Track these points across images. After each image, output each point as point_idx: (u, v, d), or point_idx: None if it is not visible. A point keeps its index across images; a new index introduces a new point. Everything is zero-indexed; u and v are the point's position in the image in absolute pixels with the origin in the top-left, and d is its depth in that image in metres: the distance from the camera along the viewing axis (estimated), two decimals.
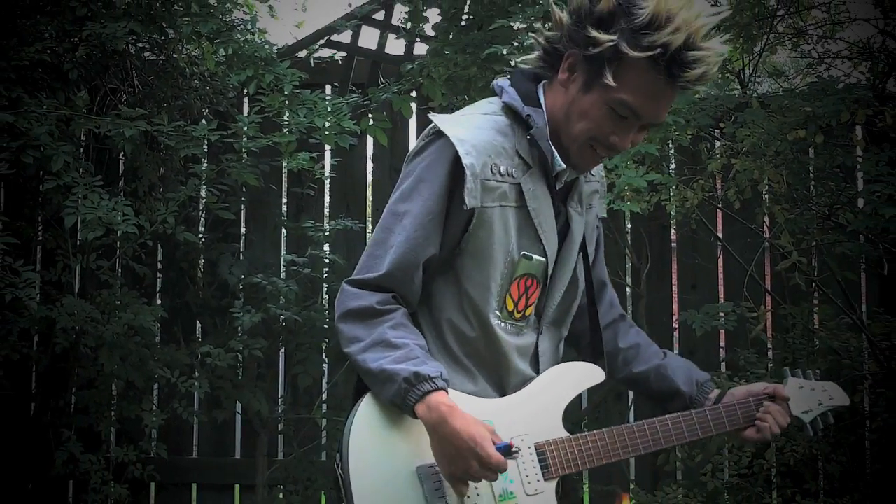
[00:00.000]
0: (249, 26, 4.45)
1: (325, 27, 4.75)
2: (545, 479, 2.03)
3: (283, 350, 4.63)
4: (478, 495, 1.98)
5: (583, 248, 2.19)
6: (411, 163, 2.06)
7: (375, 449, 1.97)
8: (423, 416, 1.91)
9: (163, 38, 4.42)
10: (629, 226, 4.70)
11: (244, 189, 4.61)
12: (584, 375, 2.17)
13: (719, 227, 4.59)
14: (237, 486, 4.80)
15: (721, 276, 4.67)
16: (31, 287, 3.87)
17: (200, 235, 4.58)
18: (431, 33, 4.43)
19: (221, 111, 4.56)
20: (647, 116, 1.99)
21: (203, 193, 4.51)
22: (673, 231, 4.72)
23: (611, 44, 1.93)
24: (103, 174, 4.25)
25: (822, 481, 4.18)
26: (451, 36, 4.22)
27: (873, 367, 4.00)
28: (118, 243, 4.34)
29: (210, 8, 4.24)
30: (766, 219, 4.25)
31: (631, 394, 4.61)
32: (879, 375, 4.01)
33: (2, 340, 4.27)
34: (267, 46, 4.33)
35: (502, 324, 2.05)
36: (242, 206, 4.76)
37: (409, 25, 4.57)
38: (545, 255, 2.06)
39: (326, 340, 4.45)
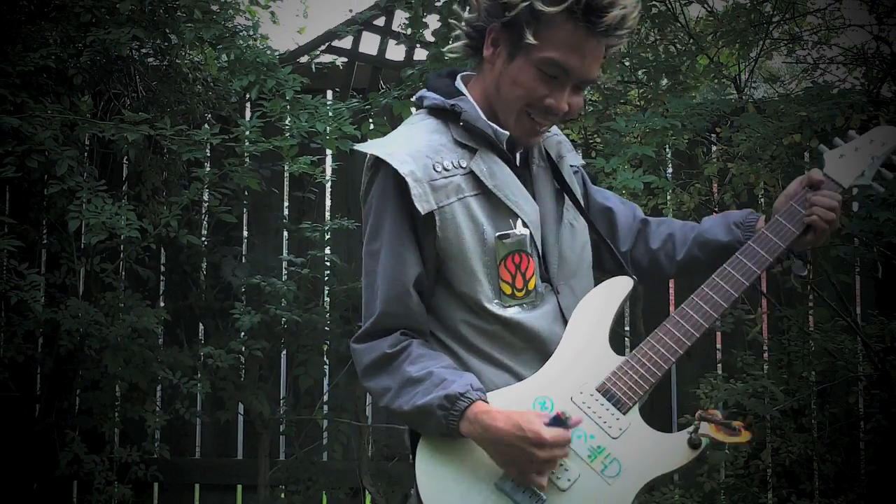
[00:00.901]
0: (251, 32, 4.48)
1: (325, 33, 4.78)
2: (623, 414, 1.93)
3: (284, 351, 4.66)
4: (566, 470, 1.90)
5: (564, 198, 2.13)
6: (366, 201, 2.05)
7: (449, 490, 1.92)
8: (469, 433, 1.89)
9: (166, 43, 4.45)
10: None
11: (246, 193, 4.65)
12: (611, 292, 2.07)
13: None
14: (239, 487, 4.83)
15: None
16: (35, 289, 3.92)
17: (203, 239, 4.60)
18: (431, 39, 4.47)
19: (224, 116, 4.59)
20: (577, 72, 1.95)
21: (206, 197, 4.54)
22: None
23: (525, 3, 1.92)
24: (107, 178, 4.31)
25: (817, 482, 4.20)
26: (450, 41, 4.26)
27: (868, 368, 4.03)
28: (122, 246, 4.37)
29: (212, 14, 4.26)
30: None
31: None
32: (874, 377, 4.04)
33: (7, 342, 4.32)
34: (269, 52, 4.35)
35: (509, 307, 2.00)
36: (244, 210, 4.78)
37: (409, 31, 4.60)
38: (526, 225, 2.02)
39: (327, 342, 4.48)
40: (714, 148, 4.19)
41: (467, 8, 2.11)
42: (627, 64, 4.37)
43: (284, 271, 4.58)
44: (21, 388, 4.44)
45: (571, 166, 2.21)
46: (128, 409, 4.39)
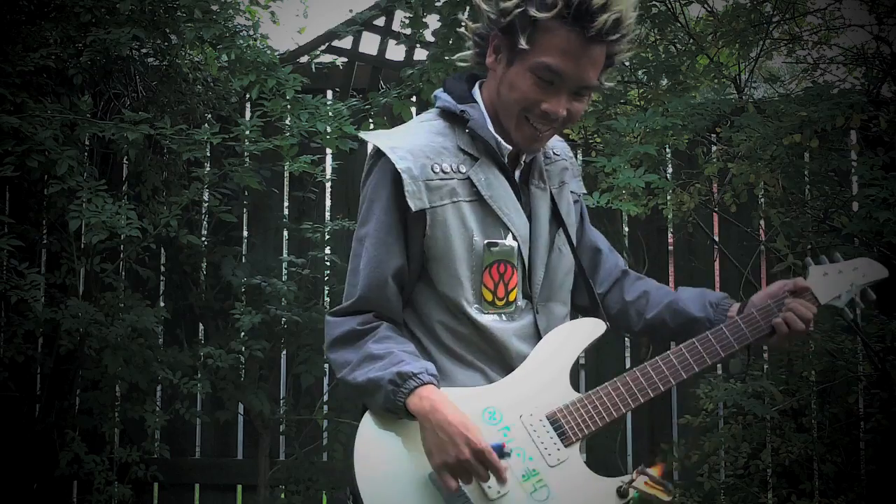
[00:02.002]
0: (251, 32, 4.49)
1: (326, 33, 4.78)
2: (566, 446, 1.99)
3: (284, 351, 4.67)
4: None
5: (557, 224, 2.17)
6: (363, 188, 2.10)
7: (383, 469, 1.96)
8: (415, 409, 1.93)
9: (166, 43, 4.46)
10: (626, 229, 4.73)
11: (246, 193, 4.65)
12: (584, 331, 2.13)
13: (715, 230, 4.62)
14: (239, 487, 4.83)
15: (717, 278, 4.70)
16: (35, 289, 3.93)
17: (203, 238, 4.61)
18: (431, 39, 4.47)
19: (224, 116, 4.59)
20: (572, 77, 1.98)
21: (206, 197, 4.55)
22: (670, 234, 4.75)
23: (518, 9, 1.96)
24: (107, 178, 4.31)
25: (817, 481, 4.21)
26: (450, 41, 4.27)
27: (868, 368, 4.04)
28: (122, 246, 4.37)
29: (212, 14, 4.26)
30: (762, 222, 4.29)
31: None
32: (874, 377, 4.05)
33: (7, 342, 4.32)
34: (269, 52, 4.36)
35: (487, 314, 2.05)
36: (245, 210, 4.79)
37: (409, 31, 4.60)
38: (515, 239, 2.06)
39: None
40: (714, 148, 4.19)
41: (473, 16, 2.14)
42: (627, 64, 4.37)
43: (284, 271, 4.58)
44: (21, 388, 4.44)
45: (572, 193, 2.25)
46: (128, 409, 4.40)
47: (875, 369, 3.97)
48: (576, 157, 4.75)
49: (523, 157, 2.13)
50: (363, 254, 2.05)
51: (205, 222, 4.71)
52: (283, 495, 4.60)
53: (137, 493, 4.45)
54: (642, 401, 2.06)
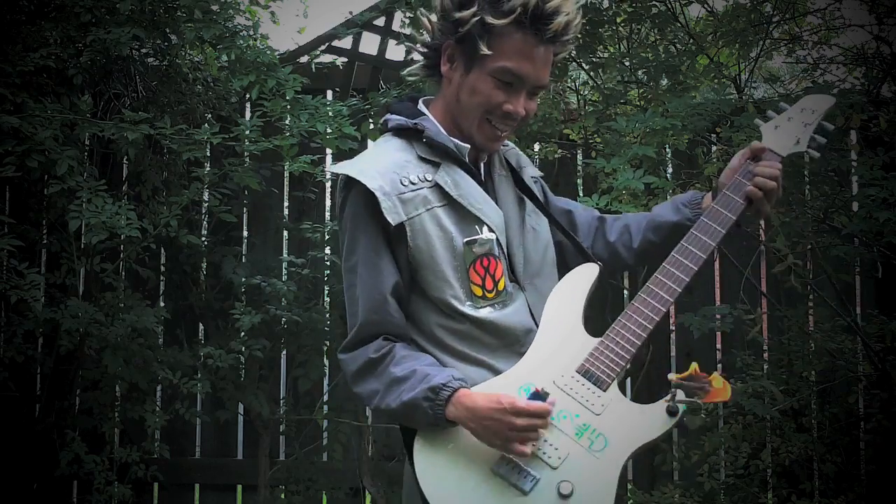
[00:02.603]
0: (251, 32, 4.49)
1: (326, 33, 4.78)
2: (604, 391, 2.04)
3: (284, 351, 4.67)
4: (555, 449, 2.00)
5: (524, 202, 2.26)
6: (341, 220, 2.18)
7: (447, 478, 2.01)
8: (456, 417, 1.99)
9: (166, 43, 4.46)
10: None
11: (246, 192, 4.65)
12: (580, 279, 2.19)
13: None
14: (239, 487, 4.83)
15: (717, 278, 4.70)
16: (35, 289, 3.92)
17: (203, 238, 4.61)
18: None
19: (224, 116, 4.59)
20: (530, 77, 2.10)
21: (206, 197, 4.55)
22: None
23: (475, 18, 2.06)
24: (107, 178, 4.31)
25: (817, 482, 4.21)
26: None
27: (868, 368, 4.04)
28: (122, 246, 4.37)
29: (212, 14, 4.26)
30: (762, 222, 4.29)
31: (629, 393, 4.64)
32: (874, 377, 4.05)
33: (7, 342, 4.32)
34: (269, 52, 4.35)
35: (482, 308, 2.11)
36: (245, 210, 4.79)
37: (409, 31, 4.60)
38: (492, 230, 2.14)
39: (327, 342, 4.48)
40: (714, 148, 4.19)
41: (420, 31, 2.25)
42: (627, 64, 4.37)
43: (284, 271, 4.58)
44: (21, 388, 4.44)
45: (532, 177, 2.35)
46: (128, 409, 4.40)
47: (875, 369, 3.98)
48: (575, 157, 4.79)
49: (483, 156, 2.23)
50: (358, 282, 2.13)
51: (205, 222, 4.71)
52: (283, 495, 4.60)
53: (137, 493, 4.45)
54: (657, 319, 2.09)
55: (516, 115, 2.12)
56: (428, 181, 2.13)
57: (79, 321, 3.96)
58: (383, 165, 2.13)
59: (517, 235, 2.21)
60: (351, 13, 4.77)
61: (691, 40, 4.30)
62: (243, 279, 4.47)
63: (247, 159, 4.40)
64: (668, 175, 4.35)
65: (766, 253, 4.36)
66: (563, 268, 2.31)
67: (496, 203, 2.19)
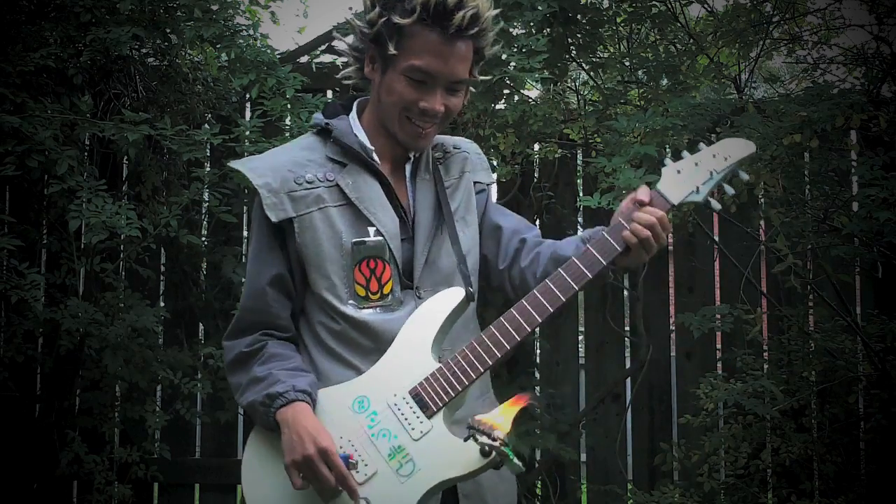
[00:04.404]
0: (252, 31, 4.49)
1: (326, 32, 4.78)
2: (429, 417, 2.06)
3: None
4: (365, 465, 2.04)
5: (443, 213, 2.23)
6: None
7: (265, 468, 2.14)
8: (281, 422, 2.07)
9: (166, 43, 4.45)
10: None
11: (246, 192, 4.65)
12: (442, 303, 2.16)
13: (716, 230, 4.63)
14: (239, 487, 4.78)
15: (717, 278, 4.70)
16: (36, 289, 3.92)
17: (203, 238, 4.61)
18: None
19: (224, 115, 4.59)
20: (441, 74, 2.11)
21: (206, 197, 4.54)
22: (670, 234, 4.74)
23: (382, 18, 2.10)
24: (107, 178, 4.30)
25: (817, 481, 4.21)
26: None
27: (868, 368, 4.04)
28: (122, 246, 4.36)
29: (212, 13, 4.26)
30: (762, 222, 4.29)
31: (629, 393, 4.65)
32: (874, 377, 4.05)
33: (7, 342, 4.32)
34: (269, 51, 4.35)
35: (363, 309, 2.15)
36: (245, 210, 4.79)
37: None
38: (380, 234, 2.15)
39: None
40: None
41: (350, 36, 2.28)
42: (627, 64, 4.38)
43: None
44: (21, 388, 4.43)
45: (476, 183, 2.34)
46: (128, 409, 4.39)
47: (875, 369, 3.98)
48: (575, 157, 4.79)
49: (411, 154, 2.24)
50: (248, 271, 2.24)
51: (205, 222, 4.70)
52: None
53: (137, 493, 4.44)
54: (499, 355, 2.07)
55: (434, 112, 2.13)
56: (328, 181, 2.17)
57: (79, 321, 3.95)
58: (279, 162, 2.19)
59: (424, 242, 2.20)
60: (351, 9, 4.77)
61: (691, 40, 4.30)
62: (243, 279, 4.46)
63: None
64: None
65: (767, 253, 4.37)
66: (484, 280, 2.34)
67: (413, 206, 2.21)
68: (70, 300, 4.05)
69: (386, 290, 2.16)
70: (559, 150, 4.68)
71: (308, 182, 2.16)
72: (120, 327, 4.02)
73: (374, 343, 2.14)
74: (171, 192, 4.45)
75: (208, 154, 4.45)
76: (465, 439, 1.96)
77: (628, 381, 4.69)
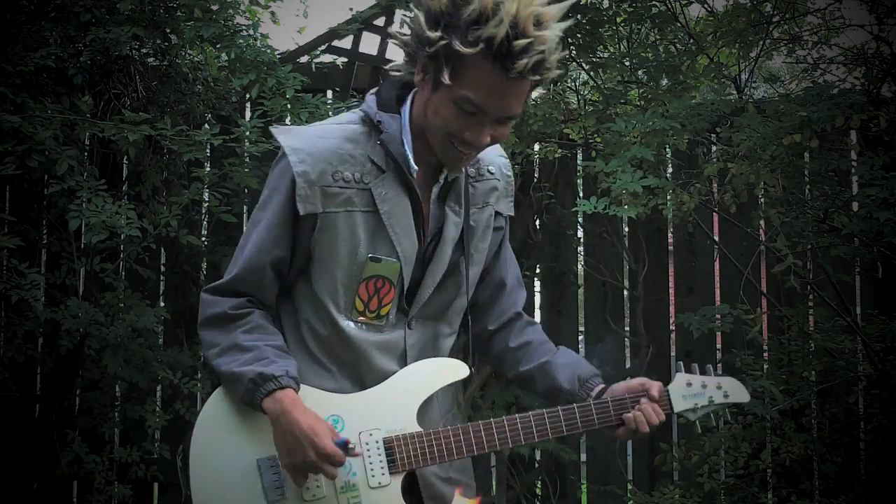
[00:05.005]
0: (252, 31, 4.48)
1: (326, 33, 4.77)
2: (391, 473, 2.08)
3: None
4: (318, 486, 2.05)
5: (461, 251, 2.20)
6: (271, 172, 2.17)
7: (219, 439, 2.08)
8: (268, 409, 2.02)
9: (166, 43, 4.45)
10: (626, 229, 4.74)
11: (246, 192, 4.65)
12: (446, 371, 2.18)
13: (716, 230, 4.63)
14: None
15: (717, 278, 4.70)
16: (36, 289, 3.92)
17: (203, 238, 4.61)
18: None
19: (224, 115, 4.59)
20: (493, 111, 1.99)
21: (206, 197, 4.54)
22: (670, 234, 4.75)
23: (443, 42, 1.95)
24: (107, 178, 4.30)
25: (817, 482, 4.22)
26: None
27: (868, 368, 4.04)
28: (122, 246, 4.36)
29: (212, 13, 4.26)
30: (762, 222, 4.29)
31: None
32: (874, 377, 4.05)
33: (7, 342, 4.32)
34: (269, 51, 4.35)
35: (354, 323, 2.12)
36: (245, 210, 4.79)
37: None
38: (397, 258, 2.11)
39: None
40: (714, 148, 4.19)
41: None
42: (627, 64, 4.38)
43: None
44: (21, 388, 4.43)
45: (498, 215, 2.28)
46: (128, 409, 4.39)
47: (875, 369, 3.98)
48: (575, 157, 4.79)
49: (443, 176, 2.15)
50: (252, 237, 2.13)
51: (205, 222, 4.70)
52: None
53: (137, 493, 4.44)
54: (476, 453, 2.14)
55: (479, 144, 2.03)
56: (363, 184, 2.09)
57: (79, 321, 3.95)
58: (322, 150, 2.10)
59: (438, 274, 2.17)
60: (351, 10, 4.77)
61: (691, 40, 4.30)
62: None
63: (247, 159, 4.40)
64: (668, 175, 4.36)
65: (767, 253, 4.37)
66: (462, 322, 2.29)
67: (436, 231, 2.16)
68: (70, 300, 4.05)
69: (383, 311, 2.13)
70: (559, 150, 4.68)
71: (344, 181, 2.08)
72: (120, 327, 4.02)
73: (349, 356, 2.12)
74: (171, 192, 4.45)
75: (208, 154, 4.44)
76: None
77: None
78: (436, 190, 2.16)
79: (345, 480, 2.06)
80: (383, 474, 2.07)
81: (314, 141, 2.12)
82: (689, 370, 2.28)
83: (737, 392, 2.28)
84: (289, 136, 2.15)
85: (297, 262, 2.13)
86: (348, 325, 2.11)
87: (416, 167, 2.11)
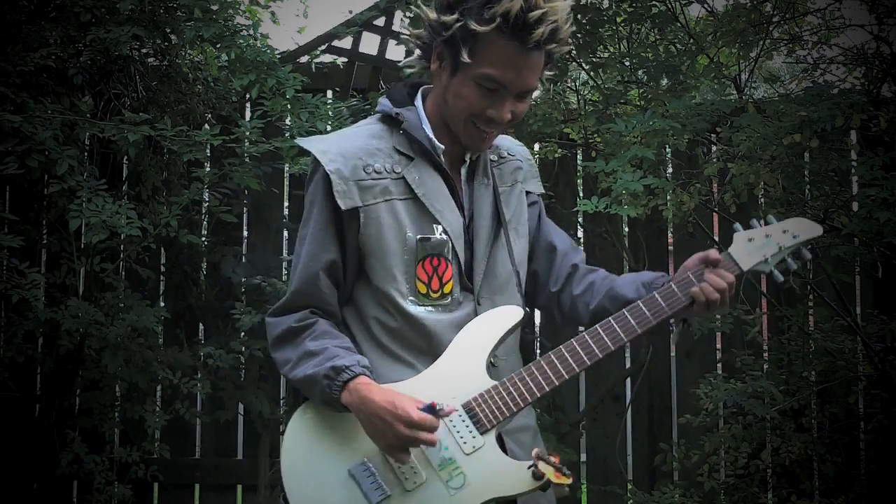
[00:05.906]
0: (252, 31, 4.49)
1: (326, 33, 4.78)
2: (481, 434, 2.07)
3: None
4: (415, 473, 2.04)
5: (500, 222, 2.23)
6: (306, 191, 2.21)
7: (307, 463, 2.09)
8: (347, 402, 2.04)
9: (166, 43, 4.46)
10: (626, 229, 4.73)
11: (246, 192, 4.65)
12: (500, 319, 2.16)
13: (715, 230, 4.62)
14: (239, 487, 4.83)
15: None
16: (36, 289, 3.92)
17: (203, 238, 4.61)
18: None
19: (224, 116, 4.59)
20: (514, 85, 2.08)
21: (206, 197, 4.55)
22: (670, 234, 4.75)
23: (458, 24, 2.05)
24: (107, 178, 4.30)
25: (817, 481, 4.21)
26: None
27: (868, 368, 4.04)
28: (122, 246, 4.37)
29: (212, 13, 4.26)
30: (762, 222, 4.28)
31: (629, 393, 4.65)
32: (874, 377, 4.05)
33: (7, 342, 4.32)
34: (269, 51, 4.35)
35: (422, 306, 2.13)
36: (244, 210, 4.79)
37: (409, 31, 4.59)
38: (446, 233, 2.14)
39: None
40: (714, 148, 4.19)
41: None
42: (627, 64, 4.38)
43: (284, 271, 4.58)
44: (21, 388, 4.44)
45: (529, 193, 2.34)
46: (128, 409, 4.40)
47: (875, 369, 3.98)
48: (575, 157, 4.79)
49: (468, 155, 2.22)
50: (302, 252, 2.17)
51: (205, 222, 4.71)
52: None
53: (137, 493, 4.45)
54: (557, 383, 2.11)
55: (501, 119, 2.11)
56: (395, 173, 2.15)
57: (79, 321, 3.95)
58: (350, 148, 2.15)
59: (483, 247, 2.20)
60: (351, 12, 4.78)
61: (691, 40, 4.30)
62: (243, 279, 4.47)
63: (247, 159, 4.40)
64: (668, 175, 4.35)
65: None
66: (529, 297, 2.33)
67: (470, 209, 2.20)
68: (70, 300, 4.05)
69: (447, 289, 2.14)
70: (559, 150, 4.68)
71: (377, 172, 2.13)
72: (120, 327, 4.02)
73: (427, 343, 2.13)
74: (171, 192, 4.45)
75: (208, 154, 4.44)
76: (529, 468, 2.02)
77: (628, 381, 4.69)
78: (464, 171, 2.23)
79: (440, 457, 2.04)
80: (474, 437, 2.06)
81: (340, 140, 2.20)
82: (748, 226, 2.22)
83: (806, 229, 2.22)
84: (315, 142, 2.20)
85: (350, 264, 2.16)
86: (418, 311, 2.12)
87: (441, 146, 2.17)
